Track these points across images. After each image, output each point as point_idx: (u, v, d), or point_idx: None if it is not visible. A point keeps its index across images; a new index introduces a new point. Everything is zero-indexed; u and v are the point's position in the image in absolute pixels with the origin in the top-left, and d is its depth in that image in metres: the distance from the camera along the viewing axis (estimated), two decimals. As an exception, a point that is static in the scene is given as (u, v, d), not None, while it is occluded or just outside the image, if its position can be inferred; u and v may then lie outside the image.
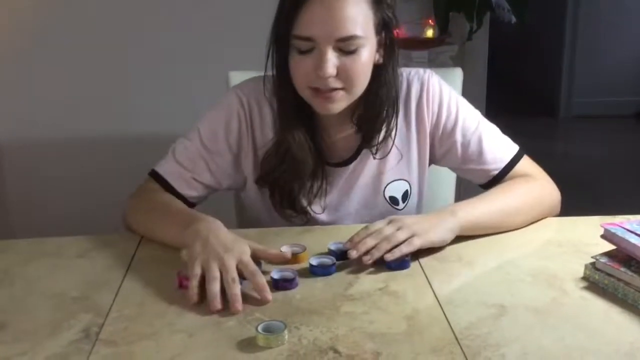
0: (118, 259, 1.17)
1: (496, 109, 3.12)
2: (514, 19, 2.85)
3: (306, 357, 0.87)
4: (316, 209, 1.33)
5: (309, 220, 1.33)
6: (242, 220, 1.56)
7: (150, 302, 1.02)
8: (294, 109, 1.27)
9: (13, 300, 1.05)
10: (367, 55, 1.20)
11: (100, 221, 1.75)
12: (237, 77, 1.51)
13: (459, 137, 1.33)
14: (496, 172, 1.33)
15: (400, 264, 1.10)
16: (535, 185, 1.31)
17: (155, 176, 1.33)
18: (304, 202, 1.32)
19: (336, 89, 1.20)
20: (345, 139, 1.33)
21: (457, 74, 1.59)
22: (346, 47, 1.17)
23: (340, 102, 1.22)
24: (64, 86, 2.39)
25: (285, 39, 1.20)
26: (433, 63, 2.52)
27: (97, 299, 1.03)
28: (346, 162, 1.34)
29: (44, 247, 1.23)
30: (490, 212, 1.23)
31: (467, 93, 1.64)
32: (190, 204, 1.33)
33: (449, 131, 1.34)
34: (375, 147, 1.31)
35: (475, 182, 1.37)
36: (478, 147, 1.33)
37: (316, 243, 1.17)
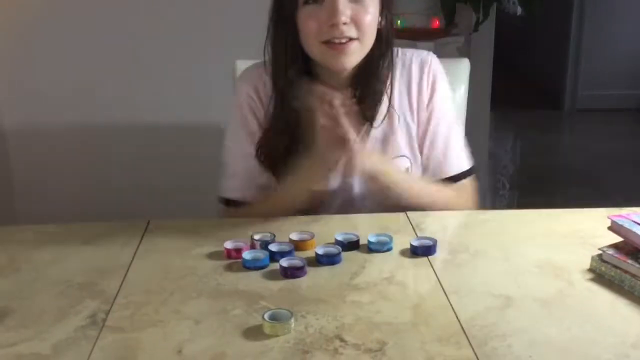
0: (124, 246, 1.17)
1: (501, 101, 3.12)
2: (519, 11, 2.84)
3: (312, 346, 0.87)
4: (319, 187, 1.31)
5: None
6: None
7: (156, 289, 1.02)
8: (292, 76, 1.25)
9: (19, 287, 1.05)
10: (373, 7, 1.22)
11: (106, 209, 1.76)
12: (244, 66, 1.51)
13: (432, 124, 1.34)
14: (451, 174, 1.35)
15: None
16: (457, 197, 1.35)
17: (226, 201, 1.36)
18: None
19: (350, 39, 1.20)
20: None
21: (464, 64, 1.58)
22: None
23: (354, 55, 1.22)
24: (70, 74, 2.39)
25: None
26: (439, 54, 2.50)
27: (104, 286, 1.03)
28: None
29: (50, 233, 1.23)
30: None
31: (472, 84, 1.64)
32: None
33: (428, 115, 1.35)
34: (373, 115, 1.30)
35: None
36: (444, 144, 1.35)
37: (323, 232, 1.17)
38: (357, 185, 1.35)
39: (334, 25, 1.18)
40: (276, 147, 1.29)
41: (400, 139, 1.35)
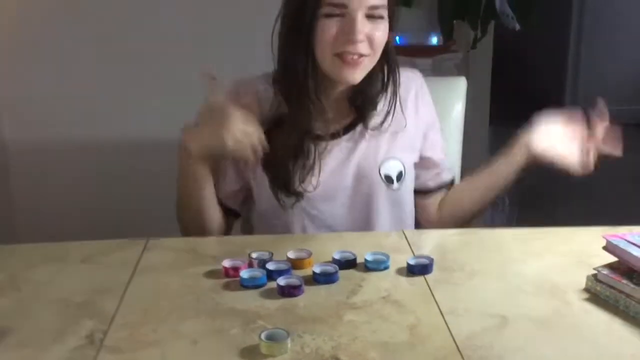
0: (123, 265, 1.17)
1: (500, 116, 3.12)
2: (517, 26, 2.85)
3: (309, 366, 0.87)
4: (308, 188, 1.34)
5: (301, 198, 1.34)
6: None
7: (154, 308, 1.02)
8: (310, 84, 1.28)
9: (18, 306, 1.05)
10: (385, 27, 1.27)
11: (107, 225, 1.76)
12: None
13: (433, 131, 1.45)
14: (449, 178, 1.47)
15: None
16: None
17: None
18: (297, 181, 1.32)
19: (361, 55, 1.24)
20: (338, 114, 1.36)
21: (461, 83, 1.60)
22: (374, 13, 1.24)
23: (364, 70, 1.28)
24: (71, 89, 2.40)
25: (314, 7, 1.23)
26: (437, 70, 2.52)
27: (102, 305, 1.04)
28: (338, 135, 1.36)
29: (50, 252, 1.24)
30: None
31: (471, 101, 1.65)
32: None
33: (427, 124, 1.44)
34: (371, 121, 1.35)
35: (419, 187, 1.46)
36: (440, 154, 1.46)
37: (320, 251, 1.18)
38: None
39: (350, 41, 1.23)
40: (276, 150, 1.31)
41: (394, 141, 1.39)
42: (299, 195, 1.33)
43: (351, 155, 1.37)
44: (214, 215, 1.37)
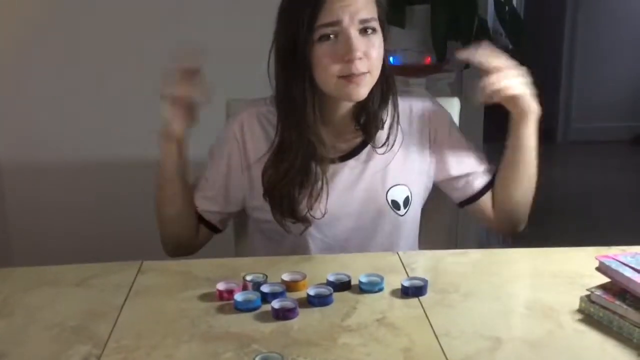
0: (117, 288, 1.17)
1: (494, 135, 3.14)
2: (510, 45, 2.87)
3: (303, 390, 0.87)
4: (316, 214, 1.34)
5: (309, 225, 1.34)
6: (240, 249, 1.57)
7: (148, 332, 1.02)
8: (311, 108, 1.29)
9: (12, 330, 1.05)
10: (379, 41, 1.27)
11: (102, 245, 1.76)
12: (235, 106, 1.54)
13: (454, 148, 1.43)
14: (485, 181, 1.42)
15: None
16: None
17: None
18: (304, 208, 1.32)
19: (362, 73, 1.25)
20: (344, 136, 1.37)
21: (454, 103, 1.60)
22: (366, 27, 1.25)
23: (366, 86, 1.28)
24: (66, 110, 2.41)
25: (307, 33, 1.23)
26: (431, 90, 2.53)
27: (96, 329, 1.04)
28: (345, 157, 1.37)
29: (44, 275, 1.24)
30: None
31: (464, 120, 1.66)
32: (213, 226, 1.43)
33: (443, 144, 1.43)
34: (379, 139, 1.35)
35: (462, 198, 1.43)
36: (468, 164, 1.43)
37: (315, 273, 1.18)
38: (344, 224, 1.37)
39: (350, 60, 1.23)
40: (276, 174, 1.32)
41: (401, 167, 1.38)
42: (306, 222, 1.33)
43: (358, 180, 1.37)
44: (188, 211, 1.39)
